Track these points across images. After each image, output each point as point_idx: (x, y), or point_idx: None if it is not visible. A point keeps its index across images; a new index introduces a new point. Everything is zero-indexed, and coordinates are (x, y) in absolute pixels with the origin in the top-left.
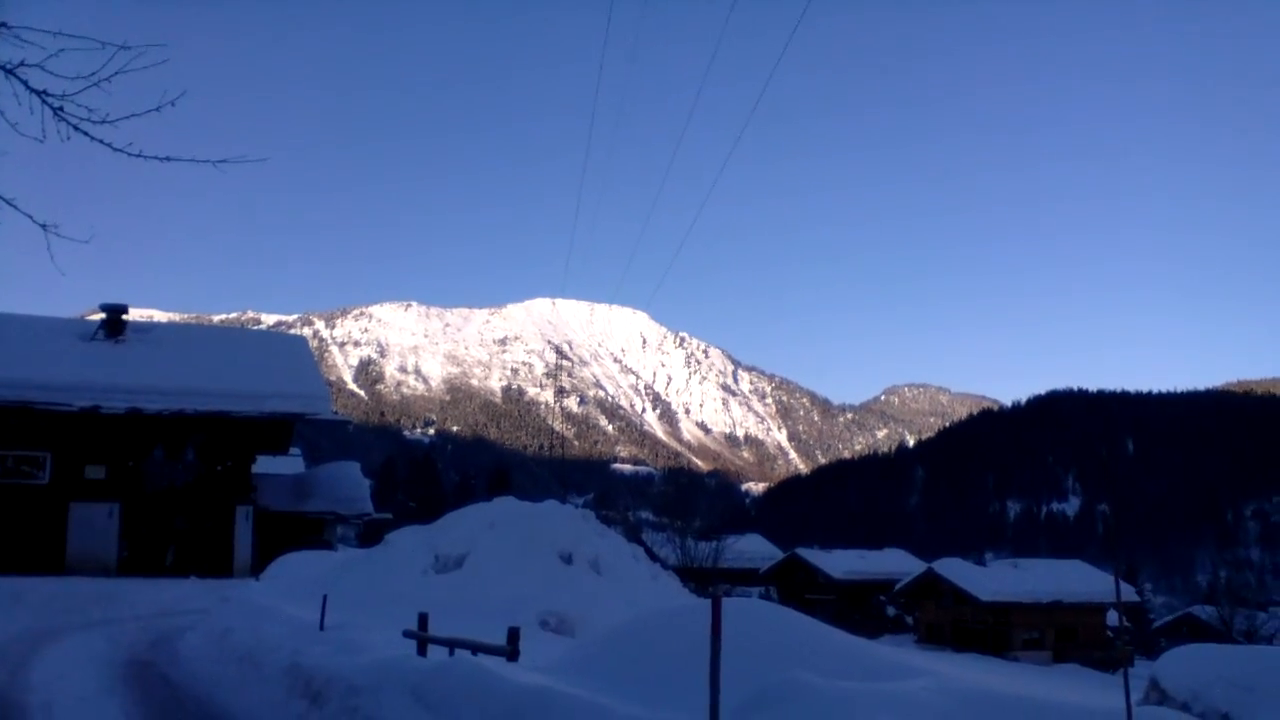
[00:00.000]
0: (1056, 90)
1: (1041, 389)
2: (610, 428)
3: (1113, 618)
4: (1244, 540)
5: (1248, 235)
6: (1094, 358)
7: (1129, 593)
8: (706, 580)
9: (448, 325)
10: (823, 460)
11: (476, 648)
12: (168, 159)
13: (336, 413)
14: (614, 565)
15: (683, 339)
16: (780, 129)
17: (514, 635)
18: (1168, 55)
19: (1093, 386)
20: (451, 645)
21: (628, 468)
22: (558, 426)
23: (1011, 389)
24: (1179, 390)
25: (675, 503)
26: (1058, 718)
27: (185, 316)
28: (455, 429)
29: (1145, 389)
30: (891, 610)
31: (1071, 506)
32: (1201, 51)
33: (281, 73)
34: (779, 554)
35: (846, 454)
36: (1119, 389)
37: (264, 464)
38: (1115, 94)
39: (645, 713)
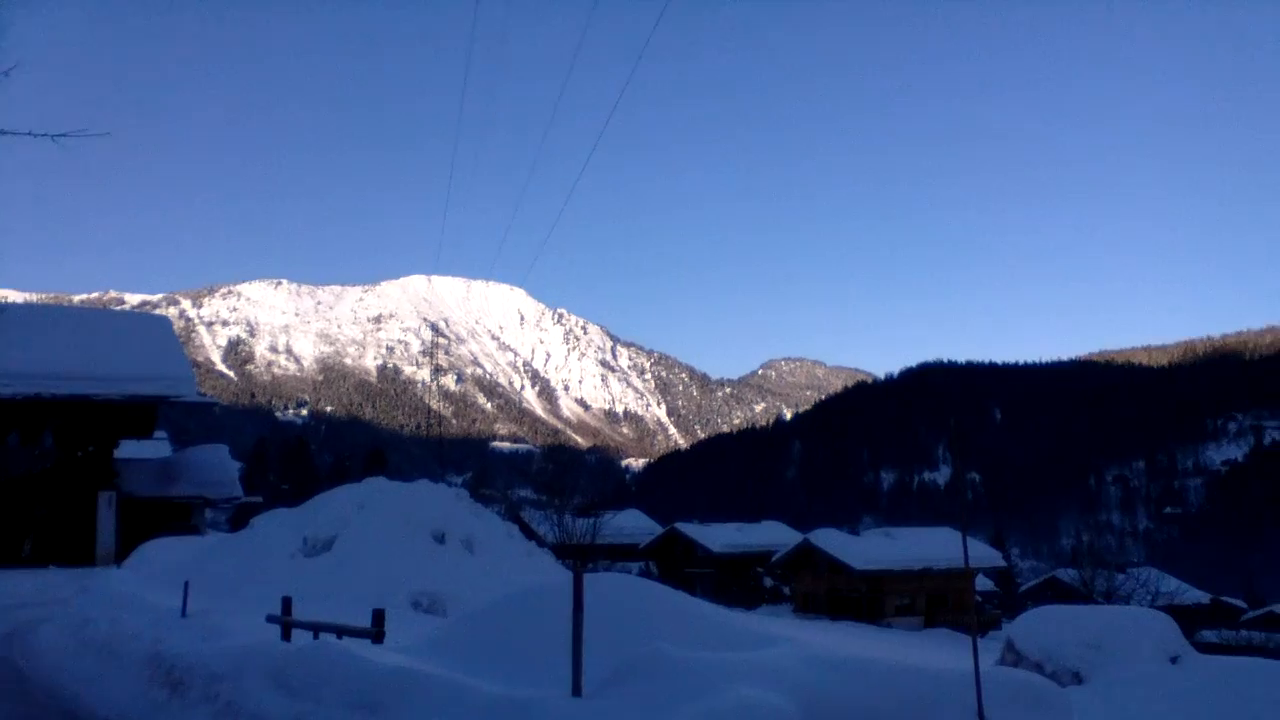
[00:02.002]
0: (910, 74)
1: (913, 361)
2: (489, 406)
3: (983, 583)
4: (1106, 505)
5: (1106, 213)
6: (963, 330)
7: (996, 558)
8: (585, 557)
9: (320, 303)
10: (702, 435)
11: (341, 630)
12: (1, 133)
13: (203, 394)
14: (488, 544)
15: (561, 315)
16: (655, 106)
17: (379, 616)
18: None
19: (962, 358)
20: (316, 629)
21: (507, 446)
22: (435, 405)
23: (885, 362)
24: (1044, 361)
25: (554, 480)
26: (908, 679)
27: (44, 297)
28: (329, 409)
29: (1012, 360)
30: (769, 581)
31: (943, 475)
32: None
33: (147, 46)
34: (659, 529)
35: (725, 428)
36: (987, 360)
37: (128, 449)
38: (964, 77)
39: (508, 689)
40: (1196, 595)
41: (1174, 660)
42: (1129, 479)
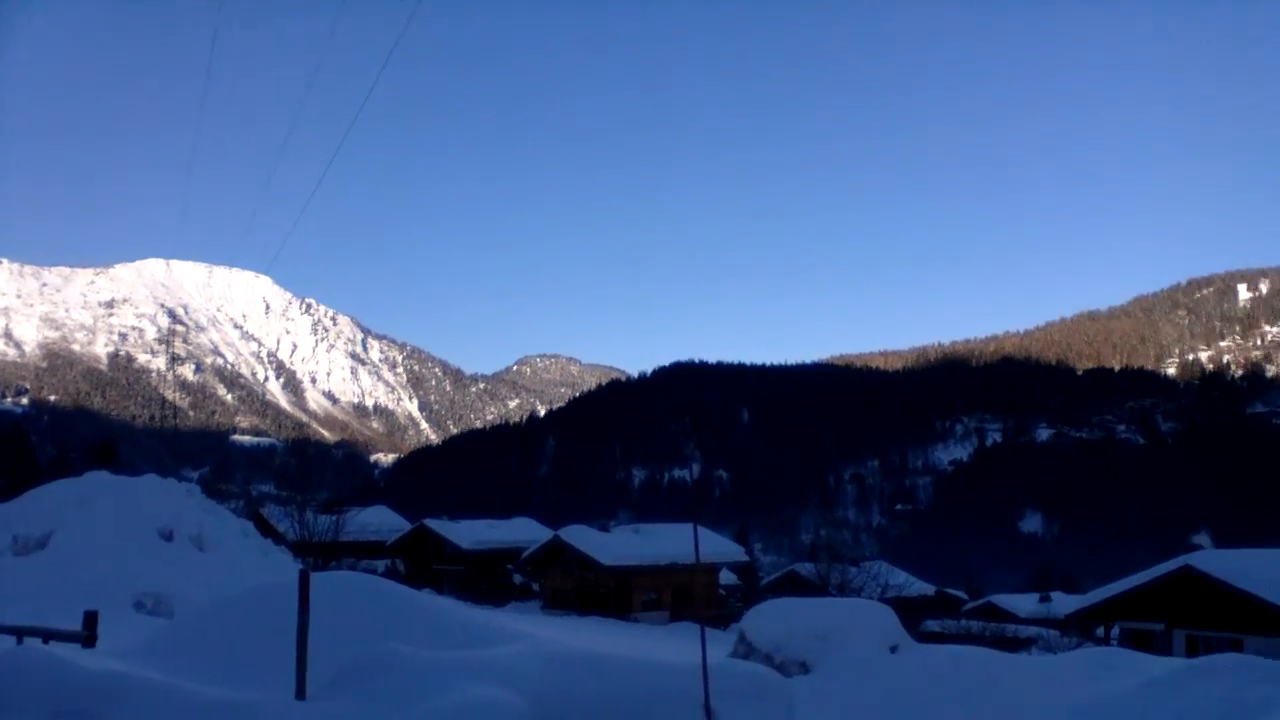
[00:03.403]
0: (670, 84)
1: (667, 360)
2: (230, 397)
3: (727, 577)
4: (843, 502)
5: (845, 227)
6: (715, 332)
7: (740, 553)
8: (329, 555)
9: (45, 285)
10: (455, 430)
11: (48, 634)
12: None
13: None
14: (221, 542)
15: (309, 305)
16: (412, 90)
17: (90, 619)
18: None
19: (713, 359)
20: (19, 633)
21: (249, 439)
22: (171, 396)
23: (639, 360)
24: (790, 363)
25: (298, 475)
26: (640, 673)
27: None
28: (53, 398)
29: (760, 361)
30: (519, 578)
31: (694, 472)
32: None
33: None
34: (407, 526)
35: (479, 424)
36: (737, 361)
37: None
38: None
39: (229, 692)
40: (923, 587)
41: (893, 649)
42: (865, 477)
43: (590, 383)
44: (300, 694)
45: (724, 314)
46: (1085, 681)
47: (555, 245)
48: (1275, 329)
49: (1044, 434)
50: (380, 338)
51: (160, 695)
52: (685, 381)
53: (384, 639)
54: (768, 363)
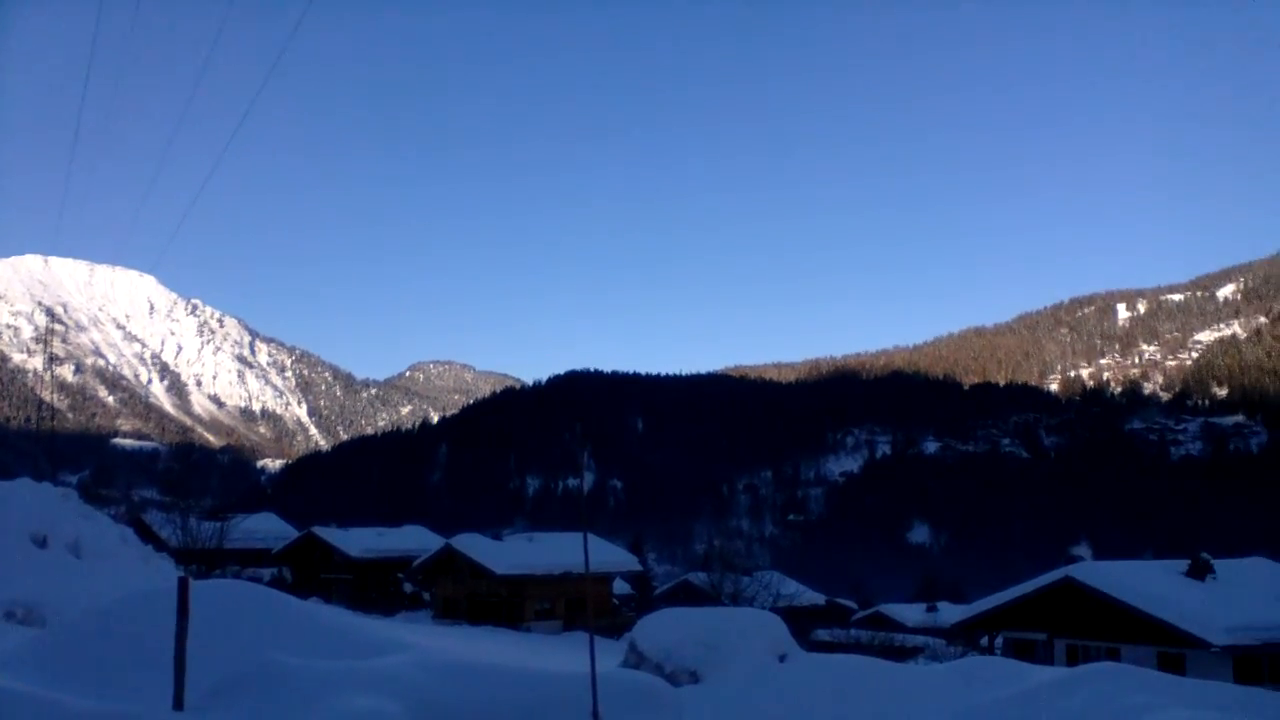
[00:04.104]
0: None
1: (562, 369)
2: (111, 399)
3: (621, 586)
4: (737, 512)
5: (734, 239)
6: (610, 341)
7: (634, 562)
8: (213, 562)
9: None
10: (345, 436)
11: None
12: None
13: None
14: (99, 548)
15: (195, 306)
16: (303, 90)
17: None
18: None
19: (608, 368)
20: None
21: (131, 443)
22: (48, 397)
23: (534, 368)
24: (684, 373)
25: (182, 480)
26: (527, 682)
27: None
28: None
29: (656, 371)
30: (410, 587)
31: (587, 481)
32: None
33: None
34: (295, 533)
35: (370, 430)
36: (632, 371)
37: None
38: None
39: (103, 704)
40: (814, 597)
41: (782, 658)
42: (758, 488)
43: (485, 390)
44: (178, 705)
45: (620, 323)
46: (967, 690)
47: (450, 250)
48: (1152, 348)
49: (931, 447)
50: (269, 341)
51: (29, 707)
52: (581, 390)
53: (266, 649)
54: (663, 373)
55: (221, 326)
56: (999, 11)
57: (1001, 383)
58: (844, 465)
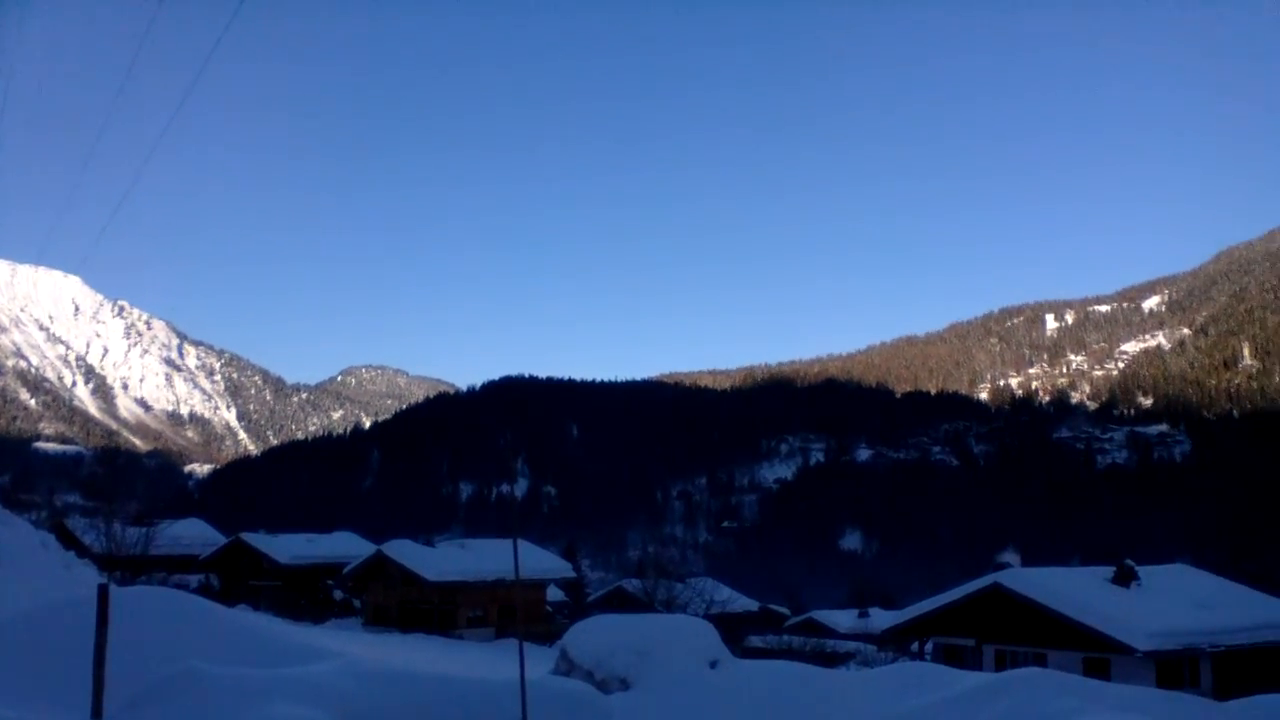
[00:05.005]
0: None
1: (496, 374)
2: (33, 402)
3: (555, 593)
4: (671, 519)
5: (670, 246)
6: (544, 346)
7: (567, 569)
8: (138, 569)
9: None
10: (275, 441)
11: None
12: None
13: None
14: (16, 554)
15: (122, 308)
16: (235, 89)
17: None
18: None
19: (543, 373)
20: None
21: (53, 447)
22: None
23: (468, 374)
24: (619, 380)
25: (107, 485)
26: (454, 689)
27: None
28: None
29: (590, 377)
30: (340, 594)
31: (520, 487)
32: None
33: None
34: (223, 539)
35: (300, 435)
36: (566, 377)
37: None
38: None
39: (19, 714)
40: (747, 603)
41: (714, 664)
42: (692, 494)
43: (418, 395)
44: (97, 715)
45: (554, 329)
46: (896, 696)
47: (383, 255)
48: (1079, 358)
49: (864, 454)
50: (197, 344)
51: None
52: (514, 396)
53: (189, 657)
54: (597, 379)
55: (149, 329)
56: (921, 25)
57: (933, 391)
58: (778, 472)
